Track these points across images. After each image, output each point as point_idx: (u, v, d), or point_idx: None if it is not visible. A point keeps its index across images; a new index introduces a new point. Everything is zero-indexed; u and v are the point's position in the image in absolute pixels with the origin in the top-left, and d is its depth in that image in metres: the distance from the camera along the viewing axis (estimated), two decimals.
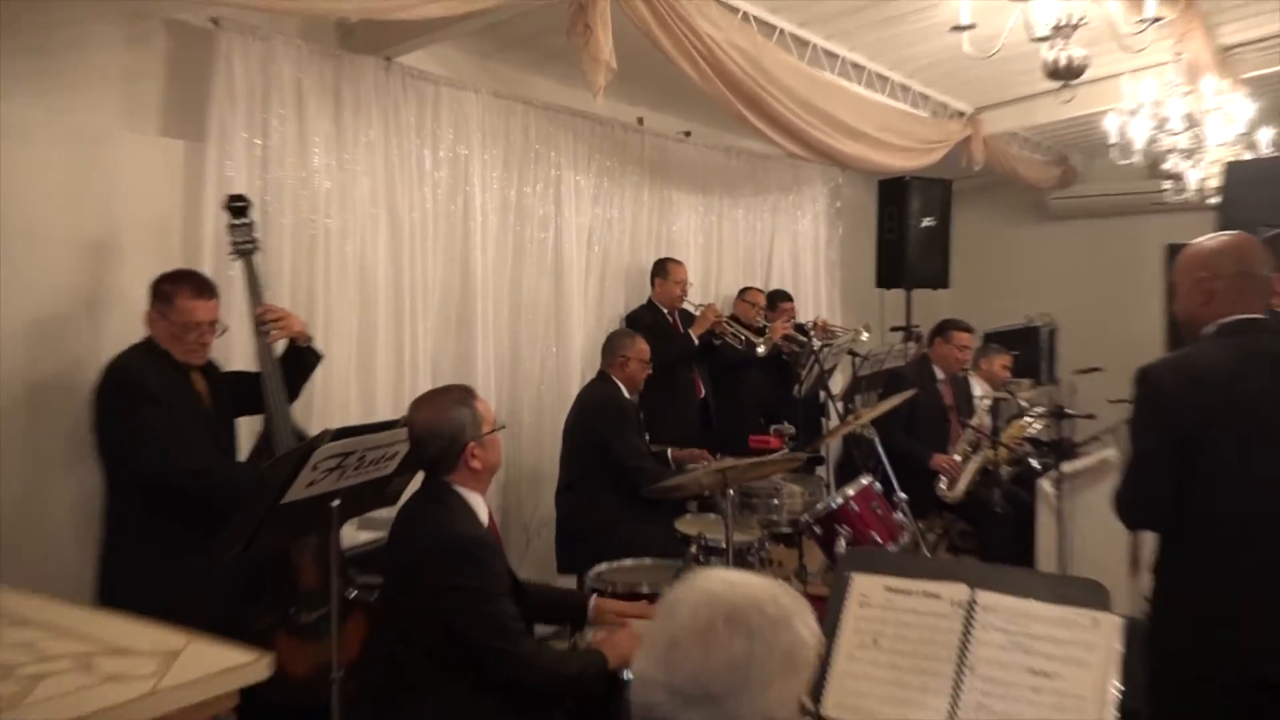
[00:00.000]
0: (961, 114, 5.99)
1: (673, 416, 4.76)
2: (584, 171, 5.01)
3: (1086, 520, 3.85)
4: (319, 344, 3.21)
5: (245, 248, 3.03)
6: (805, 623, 1.26)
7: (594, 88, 3.32)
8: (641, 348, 4.22)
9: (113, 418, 2.68)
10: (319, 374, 3.30)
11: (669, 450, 4.34)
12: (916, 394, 4.43)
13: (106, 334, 3.14)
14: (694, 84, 3.88)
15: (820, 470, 5.26)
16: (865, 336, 5.51)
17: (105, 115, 3.28)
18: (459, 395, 2.38)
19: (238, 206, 3.06)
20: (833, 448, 5.44)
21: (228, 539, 2.30)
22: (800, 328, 5.41)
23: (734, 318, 5.40)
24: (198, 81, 3.42)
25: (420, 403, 2.40)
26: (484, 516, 2.37)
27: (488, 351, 4.47)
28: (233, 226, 3.04)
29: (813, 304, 6.70)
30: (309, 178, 3.73)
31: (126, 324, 3.00)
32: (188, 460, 2.66)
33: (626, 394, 4.18)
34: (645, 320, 4.95)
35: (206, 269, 3.19)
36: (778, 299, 5.90)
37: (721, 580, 1.29)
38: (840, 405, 5.25)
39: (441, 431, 2.31)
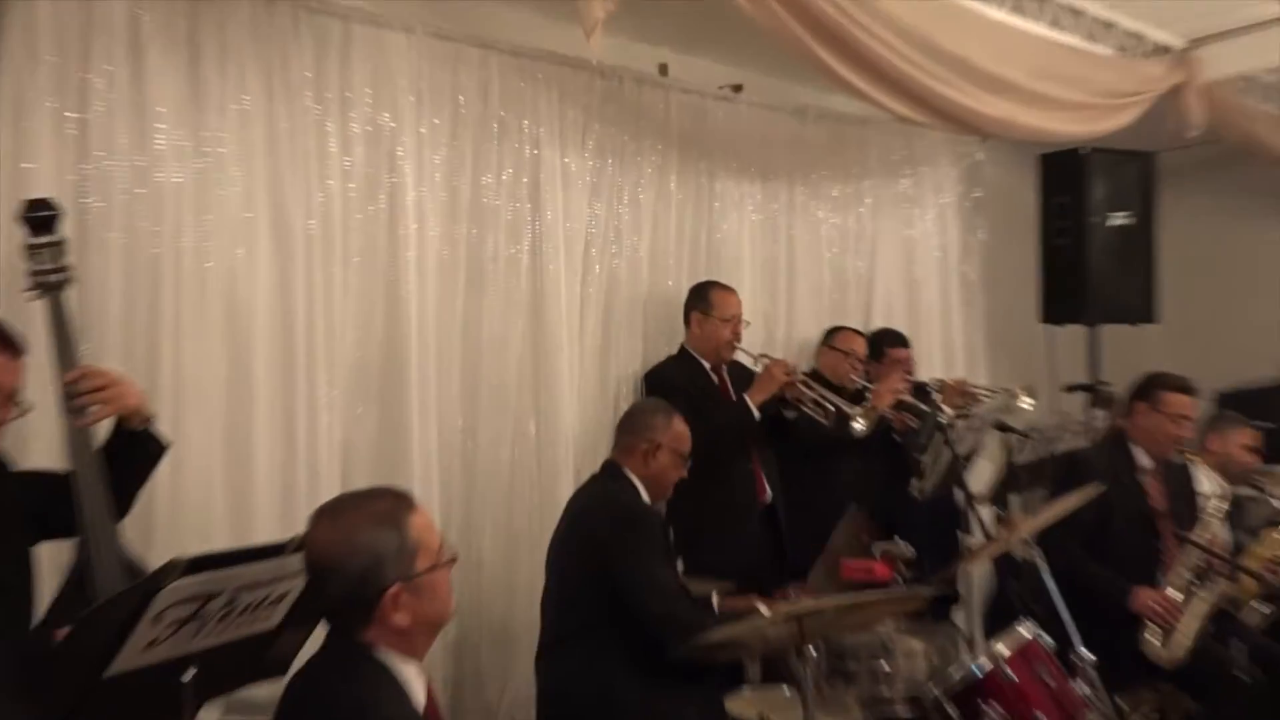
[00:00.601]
0: (1167, 50, 6.03)
1: (720, 533, 4.77)
2: (576, 150, 5.10)
3: None
4: (164, 426, 3.24)
5: (51, 279, 3.07)
6: None
7: (587, 23, 3.38)
8: (679, 431, 4.24)
9: None
10: (164, 471, 3.33)
11: (714, 593, 4.33)
12: (1107, 491, 4.40)
13: None
14: (744, 13, 3.95)
15: (957, 616, 5.23)
16: (1025, 403, 5.47)
17: None
18: (384, 508, 2.40)
19: (40, 217, 3.10)
20: (977, 579, 5.39)
21: None
22: (921, 390, 5.40)
23: (816, 375, 5.41)
24: None
25: (325, 514, 2.42)
26: (419, 695, 2.38)
27: (428, 434, 4.51)
28: (31, 248, 3.09)
29: (941, 351, 6.73)
30: (150, 169, 3.82)
31: None
32: None
33: (648, 499, 4.19)
34: (676, 381, 4.98)
35: None
36: (885, 344, 5.93)
37: None
38: (987, 511, 5.21)
39: (347, 565, 2.31)
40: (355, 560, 2.31)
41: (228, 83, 4.01)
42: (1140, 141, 6.14)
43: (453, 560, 2.46)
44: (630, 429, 4.26)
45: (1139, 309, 6.27)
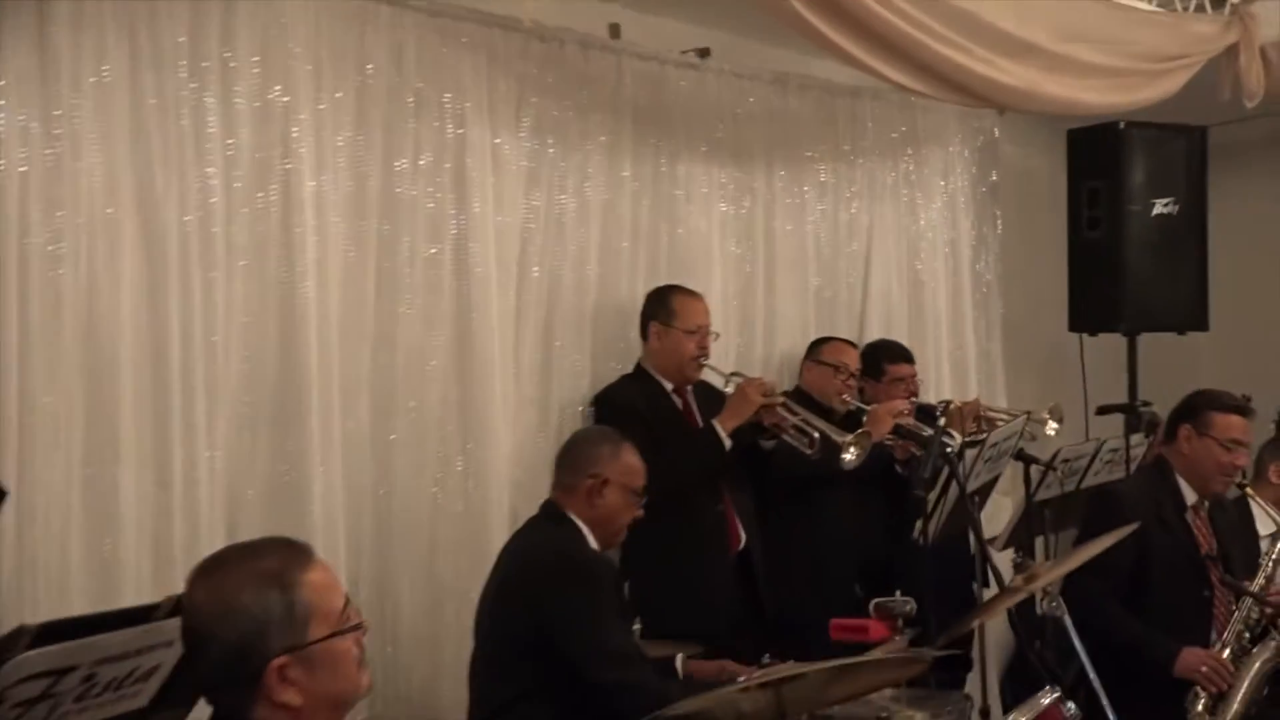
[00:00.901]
0: (1221, 4, 6.07)
1: (685, 585, 4.78)
2: (510, 129, 5.10)
3: None
4: (5, 469, 3.23)
5: None
6: None
7: None
8: (629, 464, 4.24)
9: None
10: (7, 522, 3.32)
11: (677, 657, 4.33)
12: (1147, 532, 4.42)
13: None
14: None
15: (968, 683, 5.24)
16: (1051, 428, 5.49)
17: None
18: (271, 564, 2.38)
19: None
20: (992, 637, 5.41)
21: None
22: (927, 413, 5.42)
23: (800, 396, 5.44)
24: None
25: (202, 573, 2.40)
26: None
27: (331, 471, 4.50)
28: None
29: (950, 367, 6.77)
30: None
31: None
32: None
33: (596, 545, 4.19)
34: (632, 405, 5.01)
35: None
36: (883, 359, 5.97)
37: None
38: (1003, 557, 5.23)
39: (224, 632, 2.30)
40: (233, 627, 2.29)
41: (83, 50, 3.97)
42: (1187, 114, 6.19)
43: (357, 627, 2.45)
44: (571, 463, 4.26)
45: (1186, 315, 6.31)
